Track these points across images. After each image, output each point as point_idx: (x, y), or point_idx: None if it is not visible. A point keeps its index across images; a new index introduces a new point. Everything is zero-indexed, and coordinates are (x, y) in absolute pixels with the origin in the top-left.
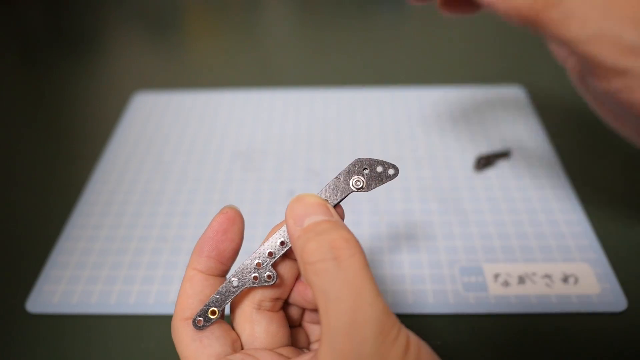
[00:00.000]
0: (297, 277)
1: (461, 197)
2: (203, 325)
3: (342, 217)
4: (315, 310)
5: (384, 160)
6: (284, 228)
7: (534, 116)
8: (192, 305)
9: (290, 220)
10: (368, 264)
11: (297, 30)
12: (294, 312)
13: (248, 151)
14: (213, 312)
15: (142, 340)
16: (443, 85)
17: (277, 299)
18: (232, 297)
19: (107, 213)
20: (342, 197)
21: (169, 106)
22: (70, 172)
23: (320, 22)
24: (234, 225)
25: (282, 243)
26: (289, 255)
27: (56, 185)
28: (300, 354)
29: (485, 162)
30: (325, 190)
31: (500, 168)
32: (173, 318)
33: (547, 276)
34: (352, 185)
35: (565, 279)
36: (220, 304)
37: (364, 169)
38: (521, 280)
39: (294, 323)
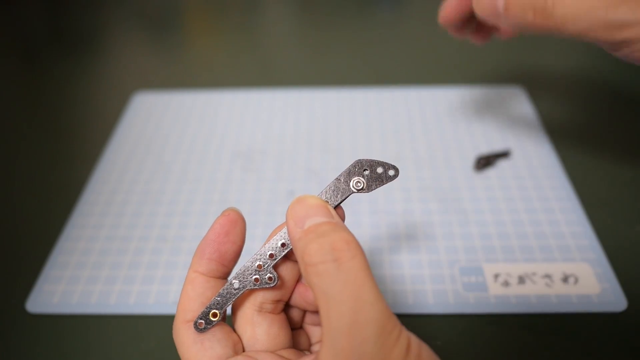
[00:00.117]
0: (298, 278)
1: (461, 197)
2: (204, 328)
3: (343, 219)
4: (316, 312)
5: (384, 161)
6: (284, 229)
7: (534, 116)
8: (193, 308)
9: (291, 221)
10: (369, 265)
11: (297, 30)
12: (295, 314)
13: (248, 151)
14: (214, 315)
15: (142, 340)
16: (443, 85)
17: (278, 301)
18: (234, 299)
19: (107, 213)
20: (343, 198)
21: (169, 106)
22: (70, 172)
23: (320, 22)
24: (236, 228)
25: (283, 245)
26: (289, 256)
27: (56, 185)
28: (302, 356)
29: (485, 162)
30: (326, 191)
31: (500, 168)
32: (174, 320)
33: (547, 276)
34: (353, 186)
35: (565, 279)
36: (221, 306)
37: (364, 170)
38: (521, 280)
39: (295, 325)
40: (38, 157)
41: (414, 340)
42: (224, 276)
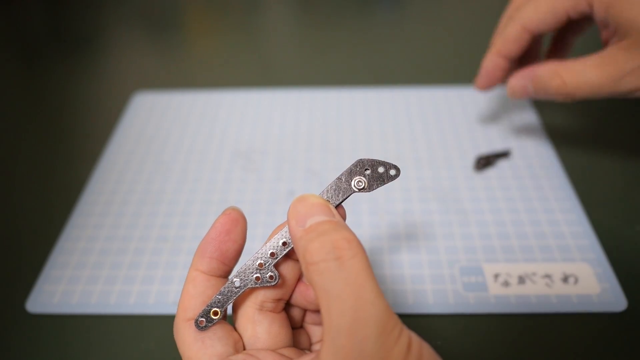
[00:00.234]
0: (299, 277)
1: (461, 197)
2: (205, 326)
3: (344, 218)
4: (316, 311)
5: (386, 160)
6: (285, 228)
7: (534, 116)
8: (194, 306)
9: (292, 220)
10: (370, 264)
11: (297, 30)
12: (295, 313)
13: (248, 151)
14: (215, 313)
15: (142, 340)
16: (443, 85)
17: (279, 300)
18: (235, 298)
19: (107, 213)
20: (344, 197)
21: (169, 106)
22: (70, 172)
23: (320, 22)
24: (237, 227)
25: (284, 243)
26: (290, 255)
27: (56, 185)
28: (302, 354)
29: (485, 162)
30: (327, 190)
31: (500, 168)
32: (175, 319)
33: (547, 276)
34: (354, 185)
35: (565, 279)
36: (222, 304)
37: (366, 169)
38: (521, 280)
39: (295, 324)
40: (38, 157)
41: (415, 339)
42: (225, 275)
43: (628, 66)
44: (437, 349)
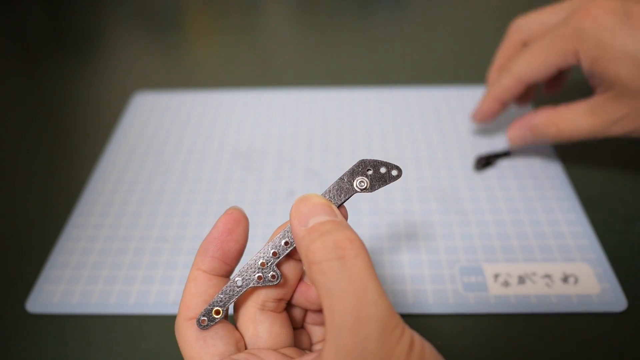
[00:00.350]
0: (301, 277)
1: (461, 197)
2: (207, 325)
3: (346, 218)
4: (317, 311)
5: (387, 161)
6: (287, 228)
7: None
8: (196, 305)
9: (294, 220)
10: (372, 264)
11: (297, 30)
12: (296, 313)
13: (248, 151)
14: (217, 312)
15: (142, 340)
16: (443, 85)
17: (280, 300)
18: (237, 297)
19: (107, 213)
20: (346, 197)
21: (169, 106)
22: (70, 172)
23: (320, 22)
24: (239, 226)
25: (286, 243)
26: (292, 255)
27: (56, 185)
28: (303, 354)
29: (485, 162)
30: (329, 190)
31: (500, 168)
32: (177, 318)
33: (547, 276)
34: (356, 186)
35: (565, 279)
36: (224, 303)
37: (368, 170)
38: (521, 280)
39: (296, 324)
40: (38, 157)
41: (417, 338)
42: (227, 274)
43: (615, 115)
44: (437, 348)
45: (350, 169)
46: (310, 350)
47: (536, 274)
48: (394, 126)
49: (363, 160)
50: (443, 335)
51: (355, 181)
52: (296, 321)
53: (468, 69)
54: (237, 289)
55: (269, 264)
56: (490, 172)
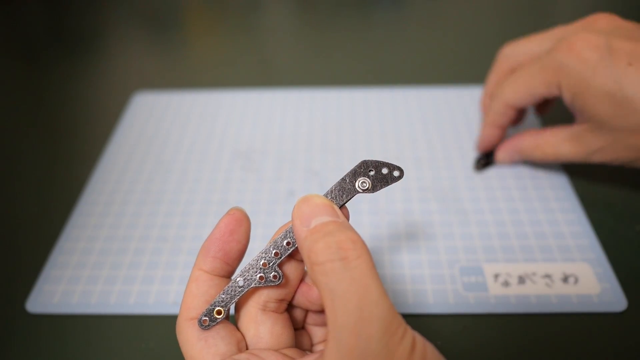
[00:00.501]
0: (302, 278)
1: (461, 197)
2: (208, 325)
3: (347, 218)
4: (318, 311)
5: (389, 162)
6: (289, 228)
7: (533, 116)
8: (197, 305)
9: (296, 220)
10: (374, 264)
11: (297, 30)
12: (297, 314)
13: (248, 151)
14: (219, 312)
15: (142, 340)
16: (443, 85)
17: (282, 300)
18: (238, 297)
19: (107, 213)
20: (348, 198)
21: (169, 106)
22: (70, 172)
23: (320, 22)
24: (241, 227)
25: (288, 243)
26: (293, 255)
27: (56, 185)
28: (305, 355)
29: (485, 161)
30: (331, 191)
31: (500, 168)
32: (178, 318)
33: (547, 276)
34: (358, 186)
35: (565, 279)
36: (226, 303)
37: (370, 170)
38: (521, 280)
39: (297, 325)
40: (38, 157)
41: (419, 339)
42: (228, 275)
43: (593, 146)
44: (437, 348)
45: (352, 170)
46: (311, 351)
47: (536, 274)
48: (394, 126)
49: (365, 161)
50: (443, 335)
51: (357, 182)
52: (297, 322)
53: (468, 69)
54: (239, 289)
55: (271, 264)
56: (490, 172)
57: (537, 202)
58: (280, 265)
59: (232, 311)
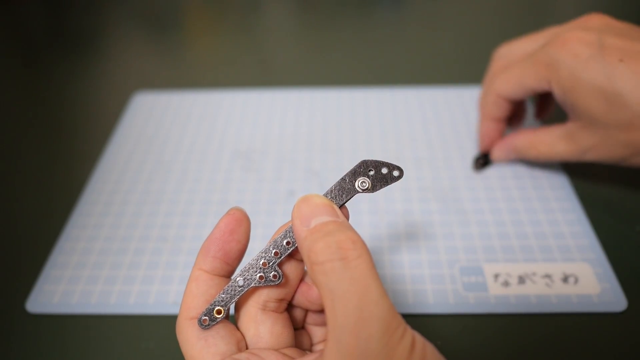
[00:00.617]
0: (302, 277)
1: (461, 197)
2: (208, 325)
3: (347, 218)
4: (318, 311)
5: (389, 161)
6: (289, 228)
7: (533, 121)
8: (197, 305)
9: (296, 220)
10: (374, 264)
11: (297, 30)
12: (297, 314)
13: (248, 151)
14: (219, 312)
15: (142, 340)
16: (443, 85)
17: (281, 300)
18: (238, 297)
19: (107, 213)
20: (348, 198)
21: (169, 106)
22: (70, 172)
23: (320, 22)
24: (241, 227)
25: (288, 243)
26: (293, 255)
27: (56, 185)
28: (304, 355)
29: (483, 161)
30: (331, 191)
31: (500, 168)
32: (178, 317)
33: (547, 276)
34: (358, 186)
35: (565, 279)
36: (226, 303)
37: (369, 170)
38: (521, 280)
39: (297, 325)
40: (38, 157)
41: (419, 338)
42: (228, 275)
43: (586, 144)
44: (437, 348)
45: (351, 170)
46: (311, 350)
47: (536, 274)
48: (394, 126)
49: (365, 160)
50: (443, 335)
51: (357, 182)
52: (297, 322)
53: (468, 69)
54: (239, 289)
55: (271, 263)
56: (490, 172)
57: (537, 202)
58: (280, 265)
59: (232, 311)
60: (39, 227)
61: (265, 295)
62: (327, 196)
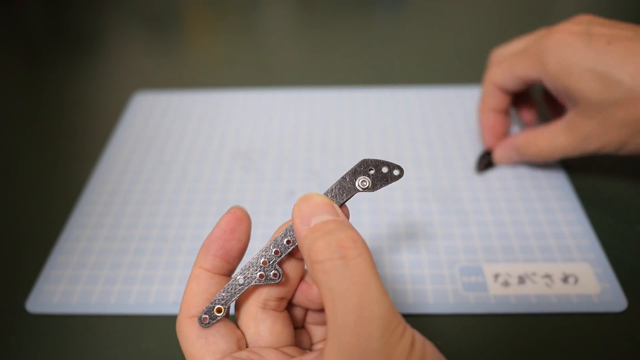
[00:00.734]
0: (302, 276)
1: (461, 197)
2: (209, 323)
3: (347, 217)
4: (318, 310)
5: (389, 161)
6: (289, 227)
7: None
8: (197, 303)
9: (297, 219)
10: (374, 263)
11: (297, 30)
12: (297, 313)
13: (248, 151)
14: (219, 310)
15: (142, 340)
16: (443, 85)
17: (282, 299)
18: (238, 295)
19: (107, 213)
20: (348, 197)
21: (169, 106)
22: (70, 172)
23: (320, 22)
24: (241, 225)
25: (288, 242)
26: (293, 254)
27: (56, 185)
28: (304, 353)
29: (486, 162)
30: (331, 190)
31: (501, 169)
32: (178, 316)
33: (547, 276)
34: (358, 185)
35: (565, 279)
36: (226, 301)
37: (370, 169)
38: (521, 280)
39: (297, 324)
40: (38, 157)
41: (418, 337)
42: (228, 273)
43: (584, 131)
44: (437, 348)
45: (352, 169)
46: (310, 350)
47: (536, 274)
48: (394, 126)
49: (365, 160)
50: (443, 335)
51: (357, 180)
52: (297, 321)
53: (468, 69)
54: (239, 287)
55: (271, 262)
56: (491, 173)
57: (537, 202)
58: (280, 264)
59: (232, 310)
60: (39, 227)
61: (265, 294)
62: (327, 195)
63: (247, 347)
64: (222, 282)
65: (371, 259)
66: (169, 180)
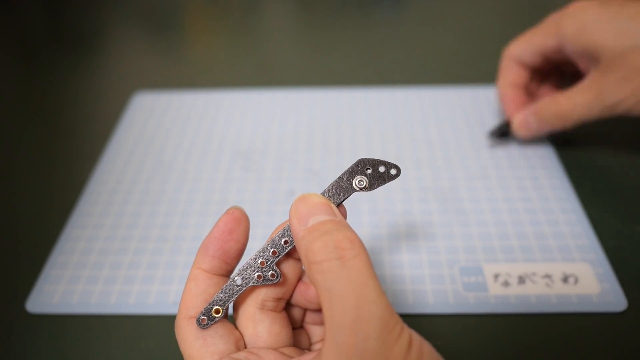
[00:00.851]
0: (300, 276)
1: (461, 197)
2: (207, 324)
3: (345, 217)
4: (316, 310)
5: (386, 160)
6: (287, 227)
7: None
8: (196, 304)
9: (294, 219)
10: (371, 263)
11: (297, 30)
12: (295, 313)
13: (248, 151)
14: (217, 311)
15: (142, 340)
16: (443, 85)
17: (280, 299)
18: (236, 296)
19: (107, 213)
20: (345, 197)
21: (169, 106)
22: (70, 172)
23: (320, 22)
24: (240, 226)
25: (286, 242)
26: (291, 254)
27: (56, 185)
28: (303, 354)
29: (501, 131)
30: (329, 190)
31: (501, 168)
32: (177, 317)
33: (547, 276)
34: (355, 185)
35: (565, 279)
36: (224, 302)
37: (367, 169)
38: (521, 280)
39: (295, 324)
40: (38, 157)
41: (416, 337)
42: (227, 274)
43: (605, 84)
44: (437, 348)
45: (349, 168)
46: (309, 350)
47: (536, 274)
48: (394, 126)
49: (362, 159)
50: (443, 335)
51: (354, 180)
52: (295, 321)
53: (469, 68)
54: (237, 288)
55: (269, 262)
56: (491, 173)
57: (537, 202)
58: (278, 264)
59: (230, 310)
60: (39, 227)
61: (263, 295)
62: (324, 195)
63: (245, 347)
64: (220, 283)
65: (368, 260)
66: (169, 180)
